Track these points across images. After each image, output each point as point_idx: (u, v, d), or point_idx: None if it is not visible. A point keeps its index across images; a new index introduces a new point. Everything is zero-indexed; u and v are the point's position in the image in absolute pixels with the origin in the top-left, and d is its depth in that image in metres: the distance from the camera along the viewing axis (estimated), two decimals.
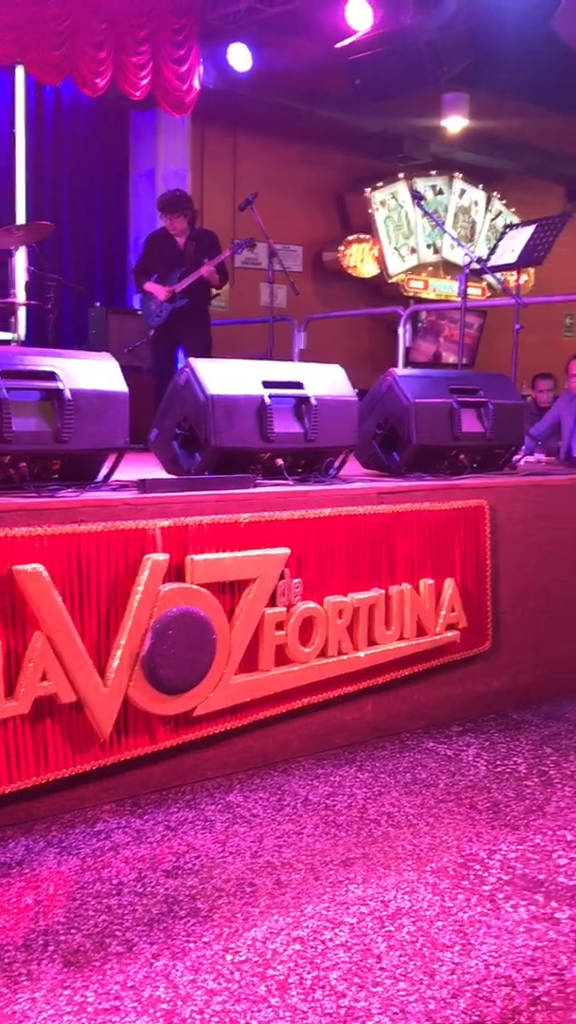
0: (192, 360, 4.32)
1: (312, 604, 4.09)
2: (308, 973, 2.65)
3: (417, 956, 2.74)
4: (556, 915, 2.96)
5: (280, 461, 4.36)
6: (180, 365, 7.17)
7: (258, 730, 3.99)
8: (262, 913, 2.95)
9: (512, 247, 6.15)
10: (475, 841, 3.44)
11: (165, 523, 3.73)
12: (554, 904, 3.02)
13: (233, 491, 4.03)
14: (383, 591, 4.35)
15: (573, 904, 3.03)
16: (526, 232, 6.10)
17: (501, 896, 3.08)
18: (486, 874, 3.21)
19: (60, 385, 3.74)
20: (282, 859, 3.29)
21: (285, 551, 4.00)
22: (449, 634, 4.61)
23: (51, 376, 3.76)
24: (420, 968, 2.69)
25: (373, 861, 3.30)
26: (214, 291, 7.35)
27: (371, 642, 4.31)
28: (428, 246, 11.64)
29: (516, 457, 5.62)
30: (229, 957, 2.71)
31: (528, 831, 3.53)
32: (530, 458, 6.37)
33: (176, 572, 3.75)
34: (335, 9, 7.69)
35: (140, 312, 7.56)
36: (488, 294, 11.75)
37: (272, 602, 3.98)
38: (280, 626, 4.00)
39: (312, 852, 3.35)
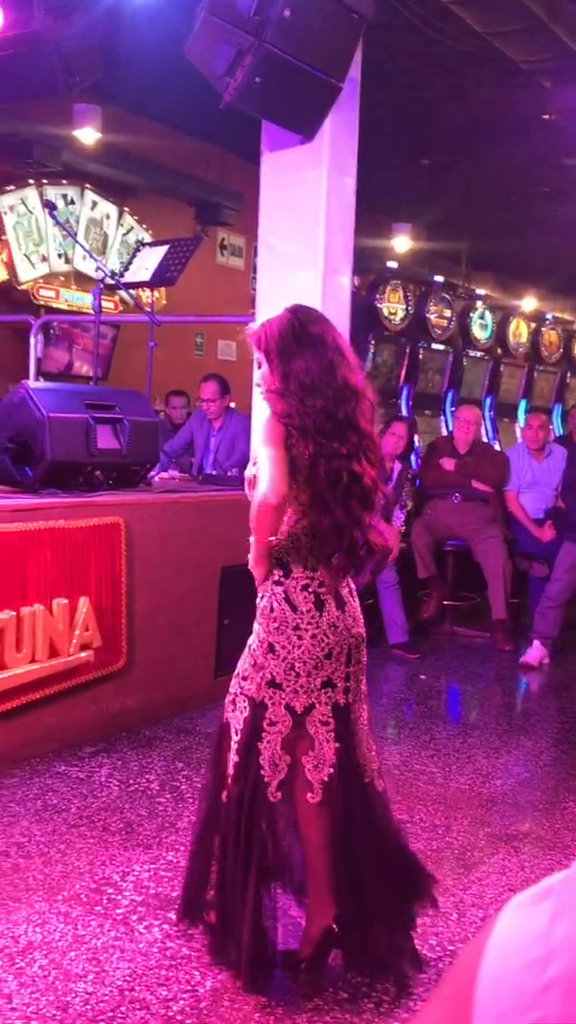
0: None
1: None
2: None
3: (50, 990, 2.67)
4: (189, 931, 3.00)
5: None
6: None
7: None
8: None
9: (146, 265, 6.20)
10: (108, 864, 3.42)
11: None
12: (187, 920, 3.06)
13: None
14: (14, 613, 4.21)
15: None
16: (160, 252, 6.17)
17: (135, 918, 3.07)
18: (119, 897, 3.20)
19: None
20: None
21: None
22: (83, 654, 4.55)
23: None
24: (53, 1003, 2.62)
25: (2, 895, 3.17)
26: None
27: (0, 666, 4.16)
28: (59, 255, 11.47)
29: (151, 474, 5.68)
30: None
31: (161, 849, 3.56)
32: (164, 474, 6.45)
33: None
34: None
35: None
36: (121, 308, 11.78)
37: None
38: None
39: None
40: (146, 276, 6.17)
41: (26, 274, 11.08)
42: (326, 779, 2.72)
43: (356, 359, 2.79)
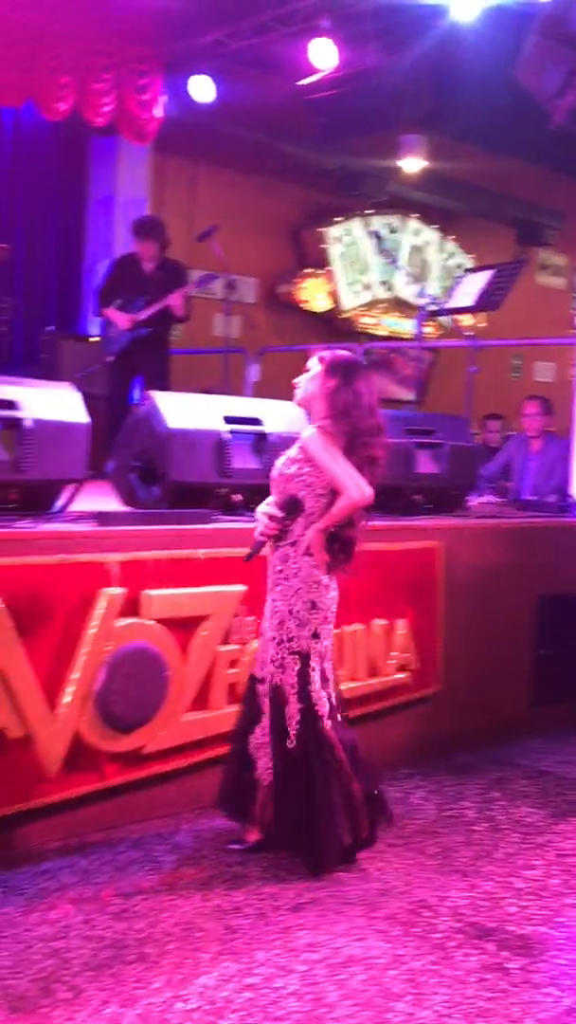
0: (153, 393, 4.29)
1: None
2: (260, 1022, 2.61)
3: (369, 1006, 2.72)
4: (507, 965, 2.96)
5: (239, 497, 4.34)
6: (137, 395, 7.14)
7: (208, 769, 3.95)
8: (212, 959, 2.91)
9: (469, 290, 6.23)
10: (425, 887, 3.43)
11: (122, 557, 3.70)
12: (505, 953, 3.02)
13: (191, 526, 4.01)
14: (336, 631, 4.33)
15: (524, 954, 3.03)
16: (483, 276, 6.18)
17: (452, 944, 3.07)
18: (436, 921, 3.21)
19: (21, 414, 3.69)
20: (232, 903, 3.26)
21: (241, 588, 3.99)
22: (400, 675, 4.62)
23: (11, 405, 3.71)
24: (372, 1019, 2.66)
25: (323, 906, 3.27)
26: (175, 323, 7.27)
27: None
28: (382, 283, 11.74)
29: (471, 498, 5.67)
30: (179, 1005, 2.67)
31: (478, 878, 3.53)
32: (481, 499, 6.42)
33: (131, 607, 3.71)
34: (300, 47, 7.77)
35: (99, 337, 7.48)
36: (439, 332, 11.87)
37: (226, 639, 3.96)
38: (233, 664, 3.98)
39: (262, 896, 3.31)
40: (470, 301, 6.19)
41: (349, 302, 11.44)
42: (335, 702, 3.57)
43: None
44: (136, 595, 3.72)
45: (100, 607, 3.61)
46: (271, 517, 3.47)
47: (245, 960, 2.91)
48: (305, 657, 3.47)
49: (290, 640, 3.46)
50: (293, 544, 3.47)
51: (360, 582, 4.45)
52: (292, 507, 3.45)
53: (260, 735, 3.52)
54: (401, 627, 4.63)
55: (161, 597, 3.77)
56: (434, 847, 3.77)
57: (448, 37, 7.60)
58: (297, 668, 3.46)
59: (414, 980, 2.85)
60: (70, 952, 2.90)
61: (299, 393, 3.58)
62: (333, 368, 3.51)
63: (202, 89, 9.03)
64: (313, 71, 7.73)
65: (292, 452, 3.52)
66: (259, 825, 3.58)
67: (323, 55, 7.60)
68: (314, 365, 3.56)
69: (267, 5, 7.62)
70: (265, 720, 3.50)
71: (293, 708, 3.46)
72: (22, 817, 3.49)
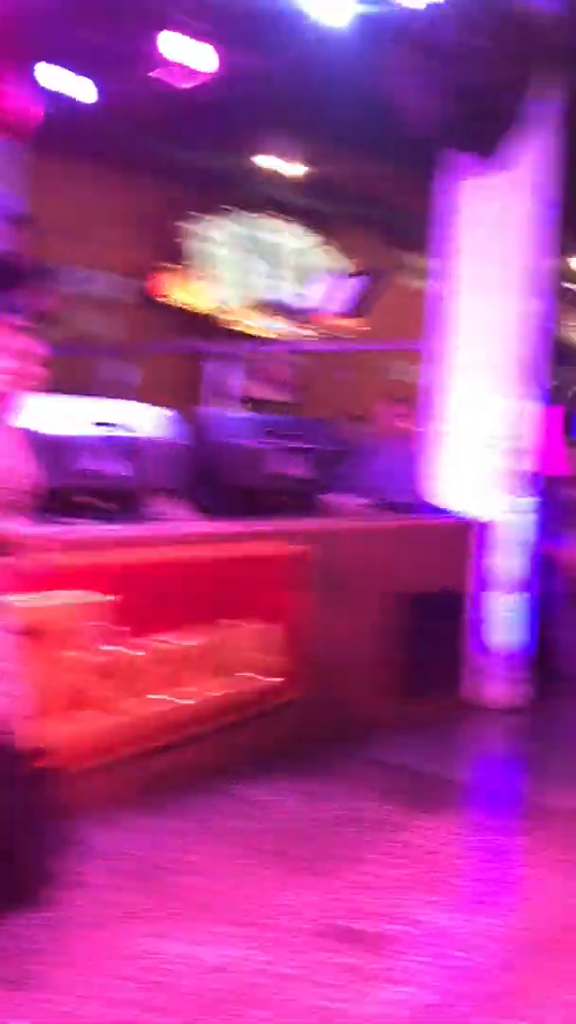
0: None
1: (131, 651, 4.02)
2: None
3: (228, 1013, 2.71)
4: (364, 965, 2.99)
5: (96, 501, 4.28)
6: None
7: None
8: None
9: (339, 295, 6.28)
10: (288, 890, 3.44)
11: None
12: (361, 953, 3.05)
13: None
14: (204, 636, 4.32)
15: (379, 952, 3.07)
16: (353, 282, 6.25)
17: (311, 947, 3.08)
18: (298, 924, 3.21)
19: None
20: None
21: (105, 596, 3.92)
22: (266, 679, 4.62)
23: None
24: None
25: (182, 914, 3.23)
26: None
27: (191, 687, 4.27)
28: (250, 283, 11.77)
29: (335, 500, 5.71)
30: None
31: (333, 878, 3.55)
32: (343, 500, 6.45)
33: None
34: (171, 46, 7.69)
35: None
36: (315, 335, 11.98)
37: (89, 648, 3.89)
38: (97, 673, 3.91)
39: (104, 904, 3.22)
40: (338, 306, 6.25)
41: (220, 302, 11.43)
42: None
43: None
44: None
45: None
46: None
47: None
48: None
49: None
50: None
51: (223, 586, 4.45)
52: None
53: None
54: (266, 631, 4.63)
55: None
56: (297, 849, 3.78)
57: (321, 42, 7.64)
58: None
59: (274, 985, 2.85)
60: None
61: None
62: None
63: (77, 87, 8.88)
64: (188, 71, 7.67)
65: None
66: None
67: (198, 56, 7.55)
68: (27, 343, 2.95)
69: (135, 4, 7.53)
70: None
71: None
72: None
